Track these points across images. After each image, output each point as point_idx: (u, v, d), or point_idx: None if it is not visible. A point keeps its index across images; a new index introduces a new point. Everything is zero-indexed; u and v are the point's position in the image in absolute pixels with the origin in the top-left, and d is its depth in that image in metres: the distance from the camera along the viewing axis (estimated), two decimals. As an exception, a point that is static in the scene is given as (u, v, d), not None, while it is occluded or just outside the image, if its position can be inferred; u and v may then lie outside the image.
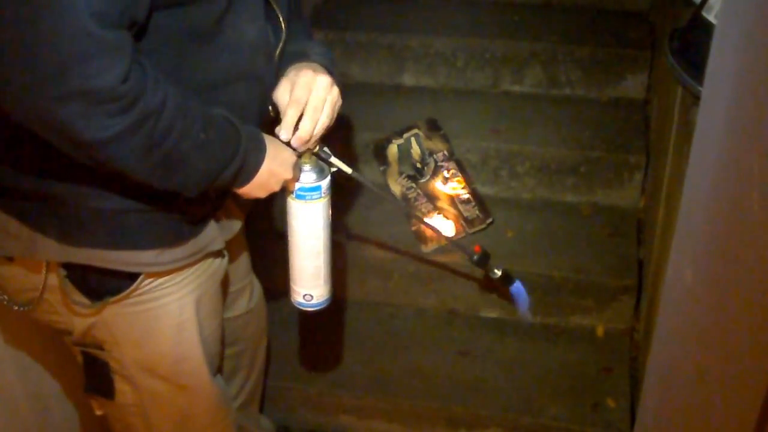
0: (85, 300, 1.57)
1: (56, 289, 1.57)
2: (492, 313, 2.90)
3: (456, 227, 2.92)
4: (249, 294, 2.13)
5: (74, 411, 2.18)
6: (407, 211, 2.95)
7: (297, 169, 1.61)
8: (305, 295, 1.78)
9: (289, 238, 1.73)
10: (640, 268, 2.82)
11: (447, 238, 2.35)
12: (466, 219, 2.94)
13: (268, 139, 1.55)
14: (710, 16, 1.85)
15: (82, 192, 1.44)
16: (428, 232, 2.89)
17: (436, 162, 3.03)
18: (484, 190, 3.11)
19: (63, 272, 1.54)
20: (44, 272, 1.55)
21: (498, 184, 3.12)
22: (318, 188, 1.65)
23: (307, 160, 1.63)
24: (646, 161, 2.97)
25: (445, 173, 3.00)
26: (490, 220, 2.95)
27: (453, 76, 3.41)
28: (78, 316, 1.61)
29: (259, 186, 1.55)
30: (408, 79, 3.45)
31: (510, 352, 2.76)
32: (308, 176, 1.63)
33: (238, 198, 1.67)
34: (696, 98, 1.77)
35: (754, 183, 0.90)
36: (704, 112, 1.18)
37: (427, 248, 2.88)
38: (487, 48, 3.33)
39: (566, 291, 2.81)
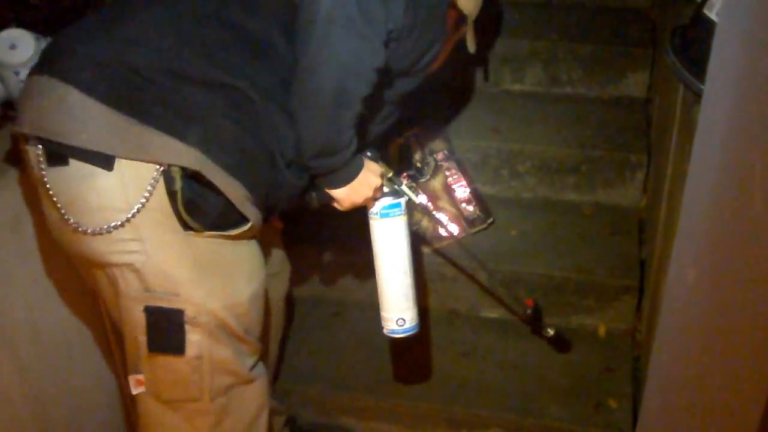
0: (195, 224, 1.64)
1: (163, 198, 1.59)
2: (493, 314, 2.90)
3: (457, 227, 2.92)
4: (279, 261, 2.32)
5: (72, 413, 2.18)
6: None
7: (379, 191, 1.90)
8: (398, 320, 1.91)
9: (378, 264, 1.91)
10: (641, 267, 2.82)
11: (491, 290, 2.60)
12: (466, 219, 2.94)
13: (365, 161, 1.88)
14: (711, 14, 1.85)
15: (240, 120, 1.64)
16: (429, 233, 2.89)
17: (436, 161, 3.02)
18: (485, 189, 3.11)
19: (180, 182, 1.59)
20: (155, 181, 1.58)
21: (499, 184, 3.12)
22: (398, 205, 1.88)
23: (386, 183, 1.90)
24: (647, 160, 2.97)
25: (446, 173, 3.00)
26: (490, 220, 2.95)
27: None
28: (165, 238, 1.64)
29: (354, 191, 1.85)
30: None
31: (511, 352, 2.76)
32: (388, 196, 1.89)
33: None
34: (698, 96, 1.78)
35: (757, 181, 0.90)
36: (706, 110, 1.18)
37: (427, 248, 2.88)
38: (486, 45, 3.33)
39: (568, 291, 2.81)
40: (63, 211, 1.60)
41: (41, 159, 1.58)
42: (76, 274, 2.06)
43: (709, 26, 1.80)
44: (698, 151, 1.22)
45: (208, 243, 1.69)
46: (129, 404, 2.35)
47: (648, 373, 1.55)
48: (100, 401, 2.28)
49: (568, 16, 3.52)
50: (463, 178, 2.99)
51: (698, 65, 1.85)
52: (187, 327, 1.72)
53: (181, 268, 1.68)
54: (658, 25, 3.24)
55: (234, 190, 1.64)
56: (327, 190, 1.88)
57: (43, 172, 1.58)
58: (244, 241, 1.80)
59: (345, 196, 1.88)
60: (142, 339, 1.73)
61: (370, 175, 1.88)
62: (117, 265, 1.66)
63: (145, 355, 1.75)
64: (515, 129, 3.14)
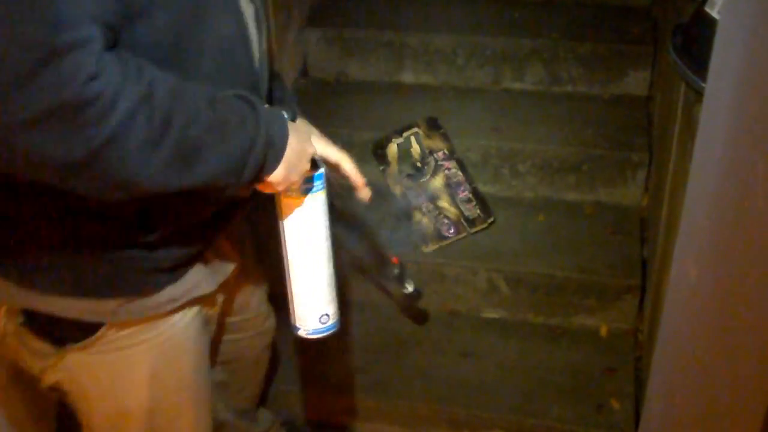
0: (45, 346, 1.46)
1: (13, 335, 1.47)
2: (494, 314, 2.91)
3: (457, 227, 2.92)
4: (262, 320, 2.05)
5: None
6: (405, 208, 2.95)
7: None
8: (321, 316, 1.56)
9: (297, 252, 1.50)
10: (643, 267, 2.82)
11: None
12: (467, 218, 2.94)
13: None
14: (713, 12, 1.85)
15: (43, 235, 1.32)
16: (429, 232, 2.90)
17: (436, 161, 3.03)
18: (486, 188, 3.11)
19: (20, 318, 1.44)
20: (1, 317, 1.46)
21: (499, 183, 3.12)
22: (321, 176, 1.45)
23: None
24: (648, 159, 2.98)
25: (446, 172, 3.00)
26: (491, 219, 2.95)
27: (453, 73, 3.41)
28: (40, 363, 1.49)
29: (292, 165, 1.33)
30: (407, 77, 3.45)
31: (512, 353, 2.77)
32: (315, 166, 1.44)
33: (231, 235, 1.59)
34: (699, 95, 1.78)
35: (759, 180, 0.90)
36: (707, 109, 1.18)
37: (427, 248, 2.88)
38: (488, 45, 3.34)
39: (569, 291, 2.81)
40: None
41: None
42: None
43: (710, 24, 1.80)
44: (700, 150, 1.22)
45: (82, 356, 1.48)
46: None
47: (650, 374, 1.55)
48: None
49: (569, 14, 3.53)
50: (463, 178, 2.99)
51: (700, 63, 1.85)
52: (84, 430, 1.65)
53: (64, 382, 1.55)
54: (659, 23, 3.25)
55: (79, 312, 1.43)
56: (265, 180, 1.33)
57: None
58: (141, 341, 1.50)
59: (282, 177, 1.33)
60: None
61: (300, 135, 1.38)
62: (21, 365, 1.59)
63: None
64: (515, 128, 3.15)
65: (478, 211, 2.96)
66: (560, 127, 3.12)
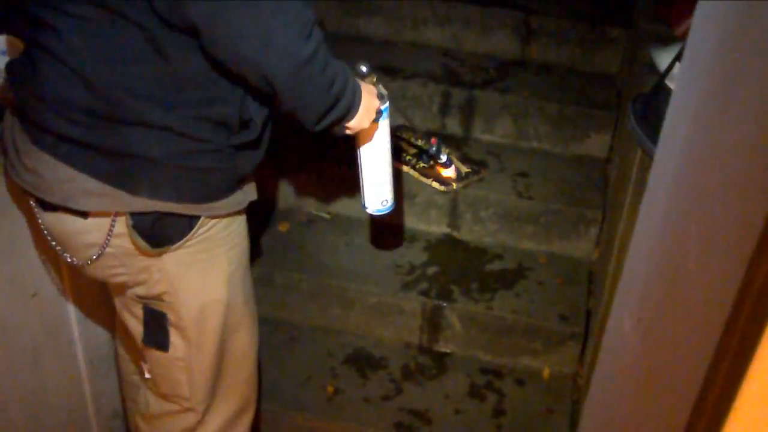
0: (148, 247, 1.70)
1: (124, 236, 1.69)
2: (446, 348, 2.92)
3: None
4: None
5: (34, 415, 2.17)
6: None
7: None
8: (383, 200, 2.08)
9: (368, 157, 2.01)
10: (588, 316, 2.85)
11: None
12: (459, 174, 3.11)
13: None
14: (673, 85, 1.89)
15: (179, 151, 1.61)
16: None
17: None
18: (448, 231, 3.15)
19: (131, 221, 1.66)
20: (112, 222, 1.67)
21: (462, 227, 3.14)
22: (386, 109, 1.95)
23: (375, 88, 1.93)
24: (602, 216, 3.01)
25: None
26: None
27: (428, 119, 3.44)
28: (140, 263, 1.74)
29: (365, 112, 1.83)
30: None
31: (460, 386, 2.78)
32: (383, 100, 1.93)
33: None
34: (653, 160, 1.81)
35: (692, 243, 0.92)
36: (655, 174, 1.21)
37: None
38: (462, 96, 3.37)
39: (517, 332, 2.83)
40: (58, 248, 1.77)
41: (35, 206, 1.74)
42: (52, 278, 2.06)
43: (668, 96, 1.83)
44: (644, 212, 1.25)
45: (178, 255, 1.75)
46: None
47: (582, 414, 1.57)
48: (64, 404, 2.26)
49: (540, 75, 3.57)
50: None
51: (655, 132, 1.88)
52: (171, 329, 1.86)
53: (160, 283, 1.79)
54: (623, 91, 3.30)
55: (191, 210, 1.72)
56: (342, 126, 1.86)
57: (38, 218, 1.75)
58: (219, 245, 1.83)
59: (357, 123, 1.84)
60: (139, 333, 1.89)
61: (368, 96, 1.85)
62: (114, 281, 1.83)
63: (142, 348, 1.93)
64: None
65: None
66: (523, 180, 3.16)
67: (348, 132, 1.87)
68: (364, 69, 1.94)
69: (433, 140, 3.04)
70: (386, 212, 2.13)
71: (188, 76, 1.56)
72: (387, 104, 1.94)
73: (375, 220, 3.13)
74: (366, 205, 2.11)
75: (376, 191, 2.07)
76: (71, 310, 2.19)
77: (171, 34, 1.49)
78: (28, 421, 2.13)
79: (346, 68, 1.75)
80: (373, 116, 1.89)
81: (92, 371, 2.33)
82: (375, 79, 1.95)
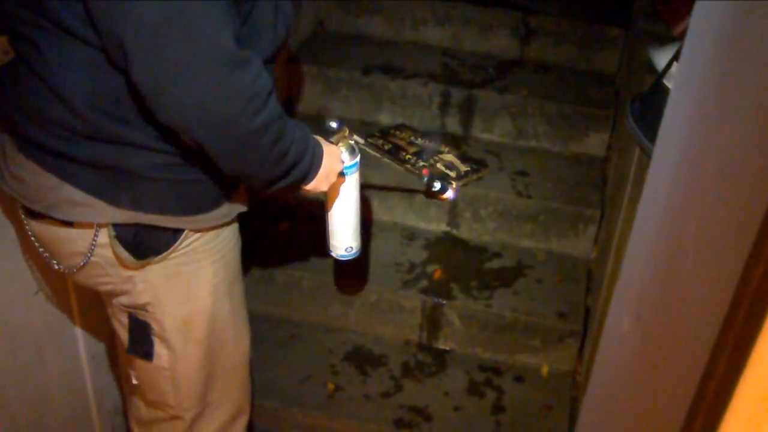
0: (130, 258, 1.68)
1: (107, 246, 1.66)
2: (445, 346, 2.92)
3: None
4: None
5: (36, 411, 2.17)
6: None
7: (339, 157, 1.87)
8: (347, 248, 2.07)
9: (335, 208, 2.00)
10: (586, 314, 2.85)
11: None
12: (458, 174, 3.11)
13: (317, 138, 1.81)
14: (670, 84, 1.88)
15: (160, 164, 1.58)
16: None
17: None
18: (448, 229, 3.15)
19: (113, 233, 1.64)
20: (95, 232, 1.65)
21: (461, 225, 3.14)
22: (356, 164, 1.92)
23: (344, 146, 1.88)
24: (600, 215, 3.01)
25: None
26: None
27: (428, 118, 3.44)
28: (124, 274, 1.72)
29: (323, 176, 1.78)
30: (385, 118, 3.48)
31: (459, 383, 2.78)
32: (348, 157, 1.88)
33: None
34: (651, 159, 1.80)
35: (690, 242, 0.92)
36: (653, 173, 1.21)
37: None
38: (461, 96, 3.37)
39: (517, 330, 2.83)
40: (46, 255, 1.76)
41: (22, 213, 1.73)
42: (53, 276, 2.06)
43: (666, 95, 1.82)
44: (642, 210, 1.25)
45: (162, 267, 1.73)
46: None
47: (580, 412, 1.57)
48: (66, 401, 2.26)
49: (539, 74, 3.57)
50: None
51: (653, 131, 1.87)
52: (155, 339, 1.83)
53: (144, 294, 1.77)
54: (622, 90, 3.30)
55: (174, 222, 1.69)
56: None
57: (26, 224, 1.74)
58: (205, 257, 1.79)
59: (314, 187, 1.78)
60: (125, 341, 1.86)
61: (329, 159, 1.79)
62: (101, 289, 1.81)
63: (127, 356, 1.91)
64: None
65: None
66: (522, 179, 3.16)
67: (304, 193, 1.83)
68: (334, 125, 1.96)
69: (425, 171, 3.08)
70: (351, 257, 2.11)
71: None
72: (357, 158, 1.91)
73: (374, 220, 3.14)
74: (331, 251, 2.11)
75: (341, 239, 2.07)
76: (73, 308, 2.19)
77: None
78: (32, 418, 2.13)
79: (306, 135, 1.70)
80: (333, 179, 1.84)
81: (94, 368, 2.33)
82: (347, 133, 1.91)
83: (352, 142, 1.90)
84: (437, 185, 2.59)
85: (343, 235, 2.06)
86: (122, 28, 1.34)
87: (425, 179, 2.86)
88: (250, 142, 1.51)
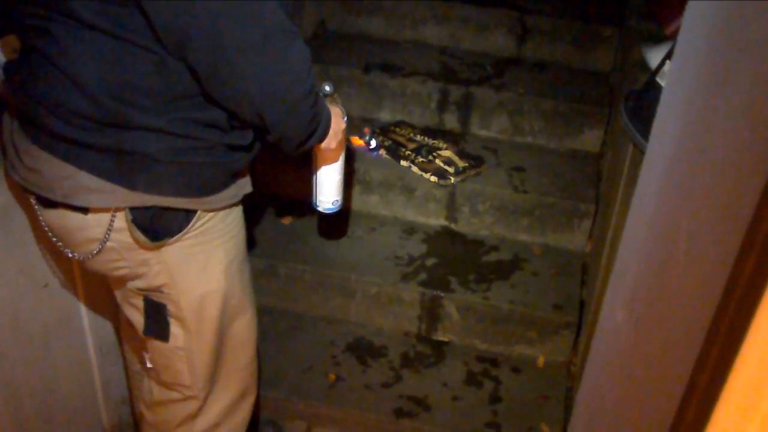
0: (146, 240, 1.70)
1: (123, 230, 1.69)
2: (444, 337, 2.92)
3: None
4: None
5: (45, 401, 2.17)
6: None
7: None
8: (334, 201, 2.18)
9: (326, 164, 2.10)
10: (581, 306, 2.85)
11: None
12: (457, 170, 3.11)
13: None
14: (663, 82, 1.88)
15: (175, 148, 1.61)
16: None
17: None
18: (446, 223, 3.15)
19: (129, 216, 1.67)
20: (111, 217, 1.67)
21: (460, 221, 3.14)
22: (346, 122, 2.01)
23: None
24: (595, 210, 3.01)
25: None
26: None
27: (427, 116, 3.44)
28: (140, 257, 1.74)
29: (333, 135, 1.90)
30: (385, 115, 3.48)
31: (457, 374, 2.78)
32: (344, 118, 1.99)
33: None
34: (644, 155, 1.81)
35: (682, 237, 0.92)
36: (646, 168, 1.20)
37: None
38: (459, 93, 3.37)
39: (513, 322, 2.83)
40: (60, 244, 1.77)
41: (36, 204, 1.74)
42: (62, 268, 2.06)
43: (659, 92, 1.83)
44: (635, 206, 1.25)
45: (176, 248, 1.76)
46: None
47: (575, 402, 1.57)
48: (74, 391, 2.26)
49: (535, 72, 3.57)
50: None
51: (646, 127, 1.88)
52: (171, 320, 1.86)
53: (159, 276, 1.79)
54: (616, 88, 3.29)
55: (188, 204, 1.72)
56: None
57: (39, 215, 1.75)
58: (217, 237, 1.83)
59: (326, 145, 1.92)
60: (140, 324, 1.89)
61: (337, 119, 1.92)
62: (115, 275, 1.82)
63: (143, 338, 1.94)
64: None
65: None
66: (519, 174, 3.15)
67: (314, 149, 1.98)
68: (328, 89, 2.05)
69: (366, 129, 3.22)
70: (336, 210, 2.22)
71: (184, 87, 1.56)
72: (345, 118, 2.02)
73: (375, 218, 3.14)
74: (317, 204, 2.21)
75: (328, 193, 2.17)
76: (81, 300, 2.19)
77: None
78: (40, 408, 2.13)
79: (321, 96, 1.82)
80: (341, 137, 1.98)
81: (101, 359, 2.33)
82: (336, 97, 2.04)
83: (340, 106, 2.00)
84: (373, 143, 2.92)
85: (331, 189, 2.17)
86: (186, 19, 1.43)
87: (366, 137, 3.14)
88: (301, 105, 1.65)
